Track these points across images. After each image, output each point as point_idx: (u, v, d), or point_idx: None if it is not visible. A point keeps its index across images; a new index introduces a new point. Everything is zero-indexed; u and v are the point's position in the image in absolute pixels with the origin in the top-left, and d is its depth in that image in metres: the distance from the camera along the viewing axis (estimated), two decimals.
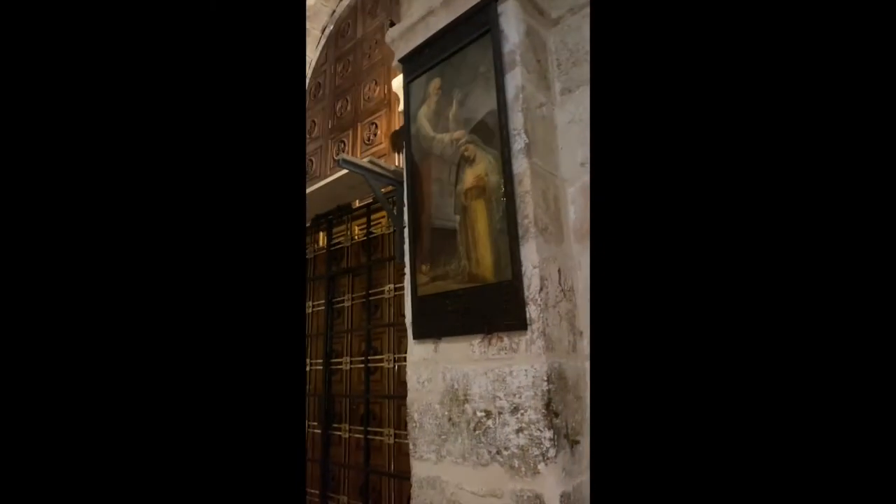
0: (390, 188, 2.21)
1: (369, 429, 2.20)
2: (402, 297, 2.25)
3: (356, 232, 2.63)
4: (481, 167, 1.44)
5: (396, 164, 2.34)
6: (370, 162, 2.07)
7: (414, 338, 1.54)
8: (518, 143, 1.36)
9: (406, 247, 1.68)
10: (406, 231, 1.70)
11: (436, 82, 1.64)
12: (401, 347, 2.21)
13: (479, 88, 1.49)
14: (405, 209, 1.72)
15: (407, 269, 1.66)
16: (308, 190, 2.49)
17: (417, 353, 1.53)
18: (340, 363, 2.49)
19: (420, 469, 1.43)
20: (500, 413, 1.25)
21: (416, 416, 1.49)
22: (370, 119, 2.79)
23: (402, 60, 1.80)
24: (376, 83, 2.82)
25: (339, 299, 2.59)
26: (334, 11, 3.31)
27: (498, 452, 1.23)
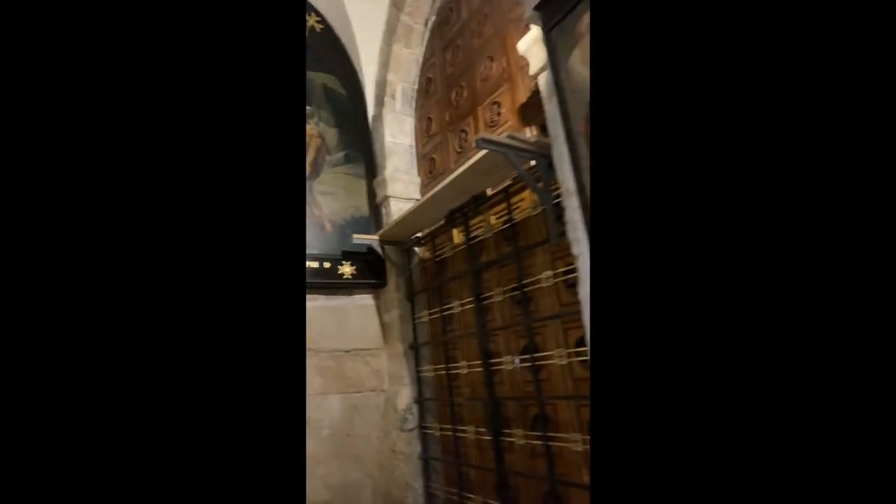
0: (532, 164, 1.97)
1: (549, 434, 1.97)
2: (561, 284, 1.99)
3: (493, 221, 2.44)
4: None
5: (532, 135, 2.09)
6: (509, 137, 1.86)
7: None
8: None
9: (577, 219, 1.41)
10: (572, 201, 1.44)
11: (587, 17, 1.36)
12: (570, 341, 1.95)
13: None
14: (567, 179, 1.46)
15: (582, 248, 1.40)
16: (438, 187, 2.37)
17: None
18: (501, 363, 2.30)
19: None
20: None
21: None
22: (491, 99, 2.58)
23: (537, 8, 1.55)
24: (492, 59, 2.61)
25: (487, 295, 2.42)
26: (434, 1, 3.18)
27: None
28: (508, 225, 2.30)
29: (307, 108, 3.23)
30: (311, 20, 3.38)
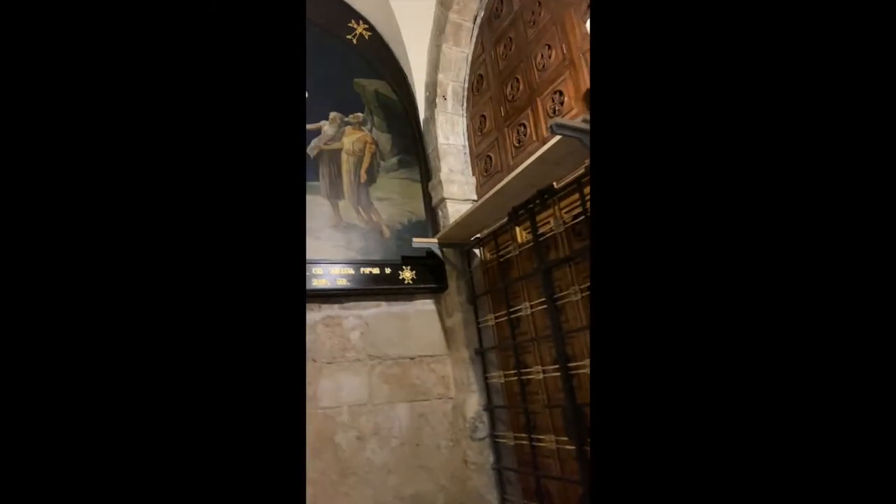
0: None
1: None
2: None
3: (563, 215, 2.30)
4: None
5: None
6: (584, 121, 1.73)
7: None
8: None
9: None
10: None
11: None
12: None
13: None
14: None
15: None
16: (504, 181, 2.26)
17: None
18: (580, 367, 2.15)
19: None
20: None
21: None
22: (552, 88, 2.45)
23: None
24: (549, 47, 2.49)
25: (561, 294, 2.27)
26: None
27: None
28: (581, 218, 2.15)
29: (360, 114, 3.23)
30: (359, 28, 3.39)
